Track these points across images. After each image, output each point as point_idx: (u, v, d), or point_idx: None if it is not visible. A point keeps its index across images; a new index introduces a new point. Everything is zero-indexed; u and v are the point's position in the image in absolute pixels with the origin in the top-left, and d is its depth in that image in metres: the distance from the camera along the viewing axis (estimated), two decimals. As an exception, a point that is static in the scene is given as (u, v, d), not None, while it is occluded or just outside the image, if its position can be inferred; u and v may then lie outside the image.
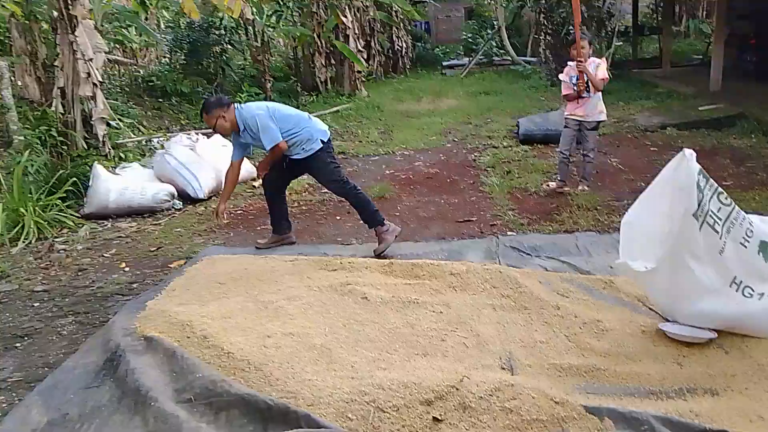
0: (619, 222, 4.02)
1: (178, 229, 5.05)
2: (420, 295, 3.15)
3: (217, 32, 11.31)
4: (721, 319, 2.51)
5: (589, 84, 4.78)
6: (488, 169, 6.15)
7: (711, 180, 2.52)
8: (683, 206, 2.46)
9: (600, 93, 4.91)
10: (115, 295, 3.71)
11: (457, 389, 2.18)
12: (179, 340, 2.85)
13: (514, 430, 2.03)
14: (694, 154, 2.49)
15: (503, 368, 2.44)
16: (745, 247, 2.50)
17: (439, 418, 2.10)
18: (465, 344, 2.63)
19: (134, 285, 3.87)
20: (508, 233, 4.21)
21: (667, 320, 2.67)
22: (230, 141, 4.21)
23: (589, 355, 2.47)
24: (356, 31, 14.46)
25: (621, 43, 14.12)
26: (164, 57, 17.73)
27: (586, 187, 5.07)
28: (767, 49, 9.79)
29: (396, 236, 4.01)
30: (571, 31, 12.66)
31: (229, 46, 12.17)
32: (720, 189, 2.52)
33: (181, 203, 5.81)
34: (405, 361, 2.52)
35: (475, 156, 6.88)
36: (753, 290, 2.47)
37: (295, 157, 4.01)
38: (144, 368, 2.60)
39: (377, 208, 4.08)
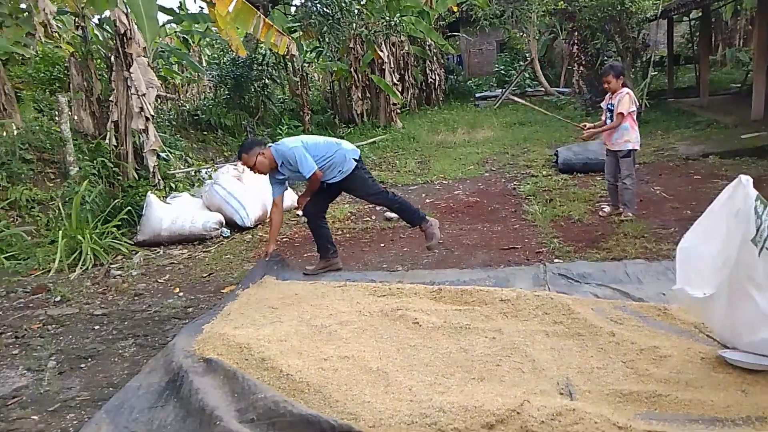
0: (668, 250, 4.06)
1: (228, 256, 5.20)
2: (471, 321, 3.18)
3: (259, 68, 11.70)
4: (784, 347, 2.48)
5: (614, 115, 4.97)
6: (529, 197, 6.18)
7: (769, 206, 2.51)
8: (741, 232, 2.46)
9: (627, 123, 4.95)
10: (172, 319, 3.84)
11: (519, 413, 2.20)
12: (237, 362, 2.93)
13: (578, 455, 2.03)
14: (751, 180, 2.50)
15: (561, 393, 2.44)
16: (808, 273, 2.47)
17: (502, 441, 2.12)
18: (521, 369, 2.64)
19: (189, 309, 4.00)
20: (555, 261, 4.21)
21: (727, 347, 2.64)
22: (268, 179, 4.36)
23: (648, 382, 2.46)
24: (392, 65, 14.81)
25: (656, 73, 14.07)
26: (204, 92, 18.44)
27: (629, 214, 5.06)
28: (811, 77, 9.65)
29: (438, 227, 4.33)
30: (605, 61, 12.65)
31: (270, 81, 12.58)
32: (779, 215, 2.51)
33: (229, 231, 6.00)
34: (462, 386, 2.55)
35: (515, 185, 6.91)
36: (817, 318, 2.43)
37: (332, 180, 4.21)
38: (207, 388, 2.69)
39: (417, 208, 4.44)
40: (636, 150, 5.12)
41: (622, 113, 4.91)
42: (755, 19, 10.86)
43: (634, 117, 5.01)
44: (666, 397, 2.34)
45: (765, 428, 2.11)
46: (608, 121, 5.08)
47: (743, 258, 2.46)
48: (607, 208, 5.32)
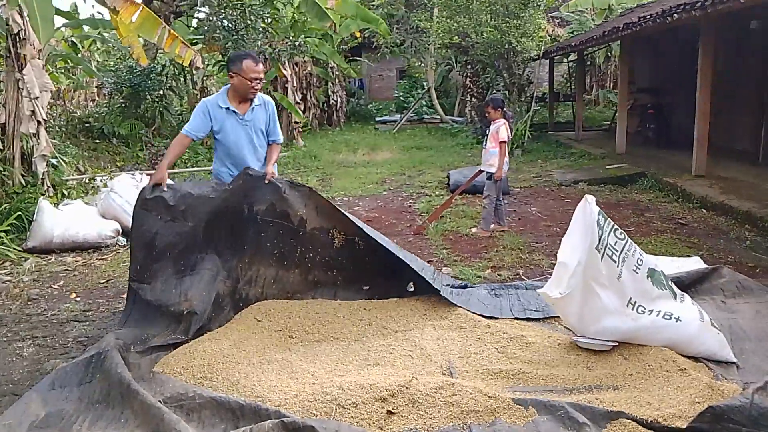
0: (539, 259, 4.68)
1: (126, 264, 5.14)
2: (369, 319, 3.50)
3: (158, 77, 11.50)
4: (621, 332, 3.02)
5: (487, 140, 5.68)
6: (423, 214, 6.68)
7: (609, 219, 3.08)
8: (588, 241, 2.99)
9: (496, 149, 5.54)
10: (71, 321, 3.82)
11: (407, 388, 2.54)
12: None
13: (456, 419, 2.40)
14: (594, 198, 3.06)
15: (444, 374, 2.82)
16: (637, 273, 3.05)
17: (393, 411, 2.45)
18: (411, 356, 3.00)
19: (89, 312, 4.00)
20: (443, 269, 4.67)
21: (578, 335, 3.16)
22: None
23: (515, 363, 2.91)
24: (294, 84, 15.08)
25: (539, 107, 15.45)
26: (94, 99, 17.58)
27: (473, 229, 5.75)
28: (663, 119, 11.15)
29: None
30: (493, 93, 13.69)
31: (169, 92, 12.37)
32: (616, 226, 3.08)
33: (125, 240, 5.92)
34: (359, 370, 2.86)
35: (411, 203, 7.42)
36: (644, 308, 3.00)
37: None
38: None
39: None
40: (500, 176, 5.63)
41: (504, 141, 5.52)
42: (620, 66, 12.35)
43: (505, 147, 5.57)
44: (528, 374, 2.79)
45: (600, 393, 2.61)
46: (484, 144, 5.74)
47: (590, 262, 2.99)
48: (474, 229, 5.86)
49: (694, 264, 4.48)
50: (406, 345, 3.11)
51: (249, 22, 11.28)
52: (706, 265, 4.41)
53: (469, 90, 16.75)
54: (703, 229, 5.68)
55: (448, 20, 13.29)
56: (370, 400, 2.49)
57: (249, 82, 3.58)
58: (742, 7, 5.72)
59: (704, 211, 6.32)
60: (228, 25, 11.20)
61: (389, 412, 2.44)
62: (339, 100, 18.97)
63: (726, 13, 6.39)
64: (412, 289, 3.85)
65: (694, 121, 7.55)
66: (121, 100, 11.62)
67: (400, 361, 2.95)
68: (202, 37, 12.45)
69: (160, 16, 9.85)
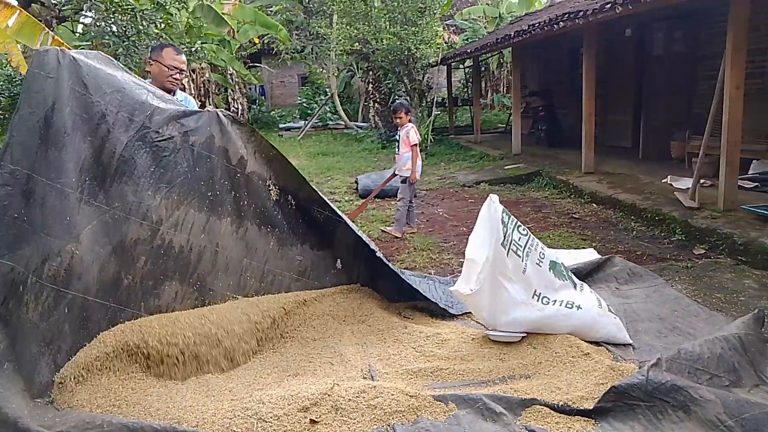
0: (448, 258, 4.81)
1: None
2: (285, 329, 3.44)
3: (41, 87, 10.67)
4: (529, 323, 3.18)
5: (399, 145, 5.82)
6: (333, 220, 6.66)
7: (512, 216, 3.24)
8: (494, 238, 3.14)
9: (409, 154, 5.73)
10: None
11: (329, 395, 2.53)
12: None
13: (379, 421, 2.42)
14: (497, 197, 3.21)
15: (365, 377, 2.84)
16: (540, 266, 3.23)
17: (316, 420, 2.43)
18: (331, 363, 2.99)
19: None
20: (357, 273, 4.69)
21: (490, 329, 3.29)
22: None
23: (433, 360, 2.98)
24: (192, 92, 14.60)
25: (439, 112, 15.95)
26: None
27: (387, 228, 5.91)
28: (554, 120, 11.89)
29: None
30: (396, 99, 14.02)
31: (54, 102, 11.51)
32: (519, 223, 3.25)
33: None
34: (279, 382, 2.81)
35: (320, 209, 7.38)
36: (549, 299, 3.19)
37: None
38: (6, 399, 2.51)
39: None
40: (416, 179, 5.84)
41: (416, 144, 5.66)
42: (512, 71, 13.03)
43: (417, 149, 5.78)
44: (446, 370, 2.87)
45: (513, 383, 2.74)
46: (397, 150, 5.84)
47: (497, 258, 3.13)
48: (388, 228, 6.02)
49: (589, 255, 4.83)
50: (325, 352, 3.10)
51: (141, 27, 10.73)
52: (599, 256, 4.76)
53: (371, 96, 17.00)
54: (595, 222, 6.11)
55: (347, 27, 13.40)
56: (292, 411, 2.45)
57: (167, 69, 3.59)
58: (619, 16, 6.23)
59: (594, 205, 6.81)
60: (117, 31, 10.60)
61: (312, 421, 2.42)
62: (240, 107, 18.59)
63: (605, 22, 6.93)
64: (340, 267, 3.72)
65: (582, 121, 8.12)
66: (0, 112, 10.68)
67: (321, 368, 2.94)
68: (90, 43, 11.68)
69: (41, 21, 9.16)
